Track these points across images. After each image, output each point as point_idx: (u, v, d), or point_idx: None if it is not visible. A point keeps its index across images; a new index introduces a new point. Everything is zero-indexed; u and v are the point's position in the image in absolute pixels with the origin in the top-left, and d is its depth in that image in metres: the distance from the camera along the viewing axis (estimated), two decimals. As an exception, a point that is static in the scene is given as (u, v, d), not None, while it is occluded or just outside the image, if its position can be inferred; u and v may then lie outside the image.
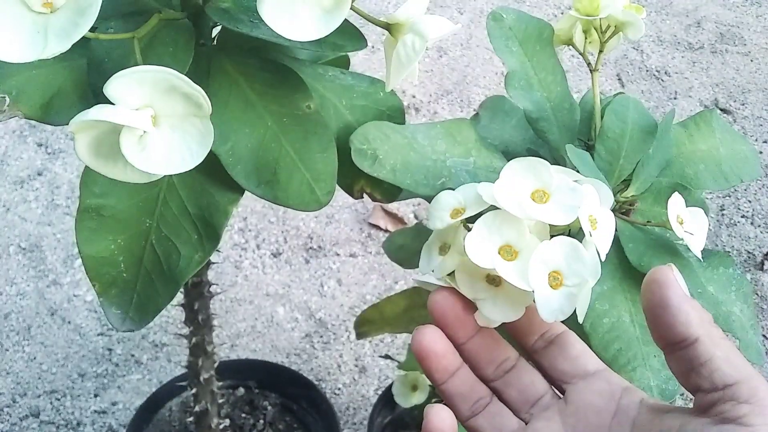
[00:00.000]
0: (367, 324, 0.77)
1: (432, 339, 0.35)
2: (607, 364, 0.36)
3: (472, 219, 0.35)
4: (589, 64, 0.52)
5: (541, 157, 0.36)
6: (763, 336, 1.10)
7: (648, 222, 0.47)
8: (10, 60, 0.32)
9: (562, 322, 0.36)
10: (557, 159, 0.49)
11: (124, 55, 0.39)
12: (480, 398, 0.35)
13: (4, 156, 1.30)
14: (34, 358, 1.05)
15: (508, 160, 0.40)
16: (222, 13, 0.42)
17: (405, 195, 0.50)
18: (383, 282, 1.16)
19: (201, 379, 0.71)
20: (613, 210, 0.47)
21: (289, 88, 0.45)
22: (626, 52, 1.56)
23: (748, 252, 1.22)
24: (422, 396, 0.83)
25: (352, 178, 0.49)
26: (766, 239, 1.24)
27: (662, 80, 1.51)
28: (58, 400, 1.01)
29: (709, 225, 1.20)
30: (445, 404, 0.34)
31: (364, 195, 0.50)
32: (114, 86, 0.33)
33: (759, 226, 1.26)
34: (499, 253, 0.34)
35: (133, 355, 1.06)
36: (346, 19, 0.37)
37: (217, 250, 0.46)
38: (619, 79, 1.51)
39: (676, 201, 0.43)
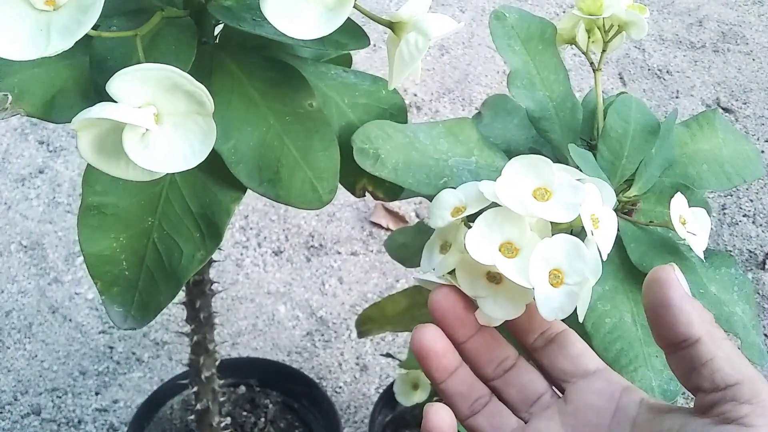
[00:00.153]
0: (368, 322, 0.77)
1: (432, 338, 0.35)
2: (609, 365, 0.36)
3: (473, 217, 0.35)
4: (591, 63, 0.52)
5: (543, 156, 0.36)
6: (765, 336, 1.10)
7: (650, 222, 0.47)
8: (12, 58, 0.32)
9: (563, 321, 0.36)
10: (560, 158, 0.49)
11: (127, 53, 0.39)
12: (479, 397, 0.35)
13: (5, 154, 1.30)
14: (36, 356, 1.05)
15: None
16: (224, 11, 0.42)
17: (407, 194, 0.50)
18: (384, 280, 1.16)
19: (202, 377, 0.71)
20: (616, 210, 0.47)
21: (291, 87, 0.45)
22: (628, 51, 1.56)
23: (750, 251, 1.22)
24: (423, 395, 0.83)
25: (354, 177, 0.49)
26: (767, 238, 1.24)
27: (664, 79, 1.51)
28: (60, 398, 1.01)
29: (711, 224, 1.19)
30: (444, 403, 0.34)
31: (366, 193, 0.50)
32: (117, 84, 0.33)
33: (760, 225, 1.26)
34: (499, 250, 0.34)
35: (134, 353, 1.06)
36: (348, 18, 0.37)
37: (219, 248, 0.46)
38: (621, 78, 1.51)
39: (678, 201, 0.43)
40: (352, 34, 0.43)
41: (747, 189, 1.30)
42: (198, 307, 0.66)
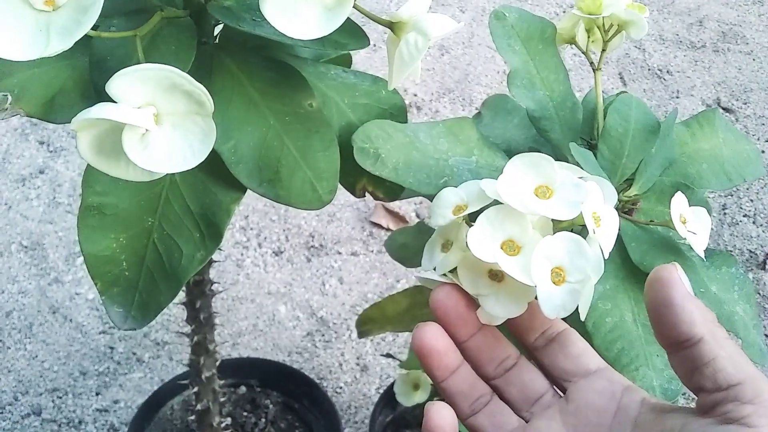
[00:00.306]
0: (368, 323, 0.77)
1: (433, 336, 0.35)
2: (610, 364, 0.36)
3: (475, 216, 0.35)
4: (591, 63, 0.52)
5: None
6: (766, 335, 1.10)
7: (651, 221, 0.47)
8: (12, 58, 0.32)
9: (564, 320, 0.36)
10: (560, 158, 0.49)
11: (127, 54, 0.39)
12: (480, 396, 0.35)
13: (5, 154, 1.30)
14: (36, 356, 1.05)
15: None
16: (224, 11, 0.42)
17: (407, 194, 0.50)
18: (385, 281, 1.16)
19: (203, 377, 0.71)
20: (616, 209, 0.47)
21: (291, 87, 0.45)
22: (628, 51, 1.56)
23: (750, 251, 1.22)
24: (424, 395, 0.83)
25: (354, 177, 0.49)
26: (768, 238, 1.24)
27: (664, 79, 1.51)
28: (60, 398, 1.01)
29: (711, 224, 1.19)
30: (445, 402, 0.34)
31: (366, 193, 0.50)
32: (116, 84, 0.33)
33: (761, 225, 1.26)
34: (501, 248, 0.34)
35: (134, 354, 1.06)
36: (348, 18, 0.37)
37: (219, 249, 0.46)
38: (621, 78, 1.51)
39: (679, 200, 0.43)
40: (351, 34, 0.43)
41: (747, 189, 1.30)
42: (198, 307, 0.66)
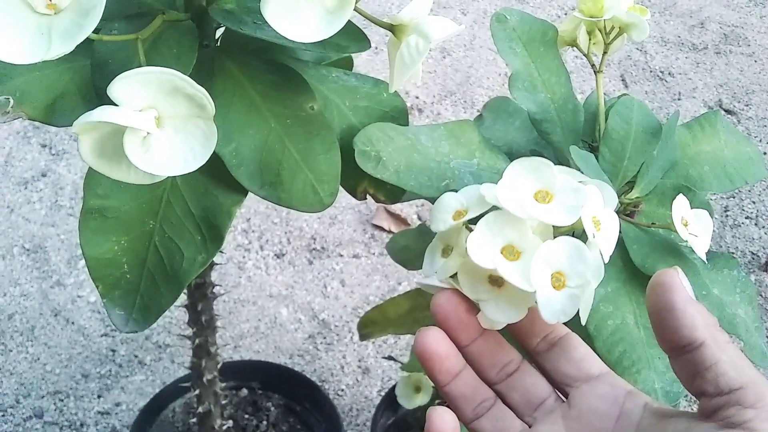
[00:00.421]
0: (370, 325, 0.77)
1: (435, 340, 0.35)
2: (611, 367, 0.35)
3: (475, 221, 0.35)
4: (593, 65, 0.52)
5: (544, 158, 0.36)
6: (768, 337, 1.10)
7: (652, 224, 0.47)
8: (13, 61, 0.32)
9: (566, 324, 0.36)
10: (561, 160, 0.49)
11: (128, 57, 0.39)
12: (483, 400, 0.35)
13: (8, 157, 1.30)
14: (38, 359, 1.05)
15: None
16: (225, 15, 0.42)
17: (408, 196, 0.50)
18: (386, 283, 1.16)
19: (204, 380, 0.71)
20: (618, 212, 0.47)
21: (292, 90, 0.45)
22: (630, 53, 1.56)
23: (752, 253, 1.22)
24: (425, 397, 0.83)
25: (356, 180, 0.49)
26: (770, 240, 1.24)
27: (666, 81, 1.51)
28: (62, 401, 1.02)
29: (713, 226, 1.18)
30: (448, 406, 0.34)
31: (368, 196, 0.50)
32: (117, 88, 0.33)
33: (763, 227, 1.25)
34: (501, 253, 0.34)
35: (136, 356, 1.06)
36: (349, 21, 0.37)
37: (221, 251, 0.46)
38: (623, 80, 1.51)
39: (680, 203, 0.43)
40: (352, 36, 0.43)
41: (749, 191, 1.30)
42: (200, 310, 0.66)
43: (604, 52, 0.52)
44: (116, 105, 0.34)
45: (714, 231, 1.23)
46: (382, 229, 1.23)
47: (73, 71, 0.42)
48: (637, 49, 1.57)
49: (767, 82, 1.50)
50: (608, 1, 0.49)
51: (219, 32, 0.47)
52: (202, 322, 0.67)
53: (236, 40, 0.47)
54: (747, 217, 1.27)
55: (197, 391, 0.73)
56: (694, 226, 0.44)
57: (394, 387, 0.88)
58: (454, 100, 1.44)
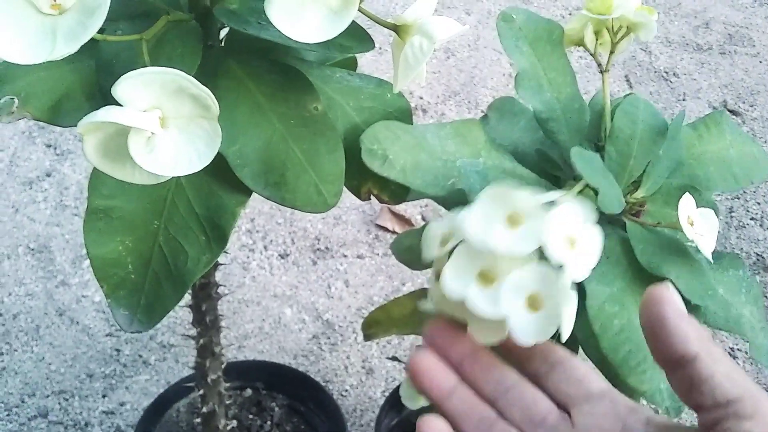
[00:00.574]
0: (374, 326, 0.77)
1: (424, 358, 0.35)
2: (617, 366, 0.35)
3: None
4: (599, 64, 0.52)
5: (550, 159, 0.36)
6: (773, 338, 1.09)
7: (658, 223, 0.47)
8: (18, 62, 0.32)
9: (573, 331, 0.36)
10: (567, 160, 0.49)
11: (133, 57, 0.39)
12: (484, 418, 0.35)
13: (13, 157, 1.30)
14: (43, 359, 1.05)
15: (518, 161, 0.40)
16: (230, 15, 0.42)
17: (412, 196, 0.50)
18: (390, 283, 1.16)
19: (208, 380, 0.71)
20: (623, 211, 0.47)
21: (296, 90, 0.45)
22: (634, 54, 1.56)
23: (757, 254, 1.21)
24: (429, 398, 0.83)
25: (360, 180, 0.49)
26: (775, 241, 1.23)
27: (670, 81, 1.50)
28: (66, 400, 1.02)
29: (718, 227, 1.18)
30: (451, 427, 0.34)
31: (372, 197, 0.50)
32: (122, 88, 0.34)
33: (768, 227, 1.25)
34: (478, 278, 0.34)
35: (141, 356, 1.06)
36: (353, 21, 0.37)
37: (225, 252, 0.46)
38: (628, 81, 1.51)
39: (686, 202, 0.43)
40: (356, 37, 0.43)
41: (754, 192, 1.30)
42: (204, 310, 0.66)
43: (611, 52, 0.51)
44: (121, 105, 0.34)
45: (719, 232, 1.22)
46: (386, 229, 1.23)
47: (78, 71, 0.43)
48: (642, 49, 1.56)
49: (772, 83, 1.50)
50: (617, -1, 0.49)
51: (223, 33, 0.47)
52: (206, 322, 0.67)
53: (240, 40, 0.47)
54: (752, 219, 1.27)
55: (201, 391, 0.73)
56: (699, 226, 0.44)
57: (398, 387, 0.88)
58: (459, 101, 1.43)
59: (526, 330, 0.33)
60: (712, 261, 0.45)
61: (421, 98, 1.43)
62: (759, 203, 1.29)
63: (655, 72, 1.52)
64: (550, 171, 0.49)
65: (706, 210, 0.45)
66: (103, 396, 1.02)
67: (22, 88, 0.42)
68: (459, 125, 0.48)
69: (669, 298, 0.31)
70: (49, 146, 1.32)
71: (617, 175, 0.47)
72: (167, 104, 0.34)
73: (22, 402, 1.01)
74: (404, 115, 0.50)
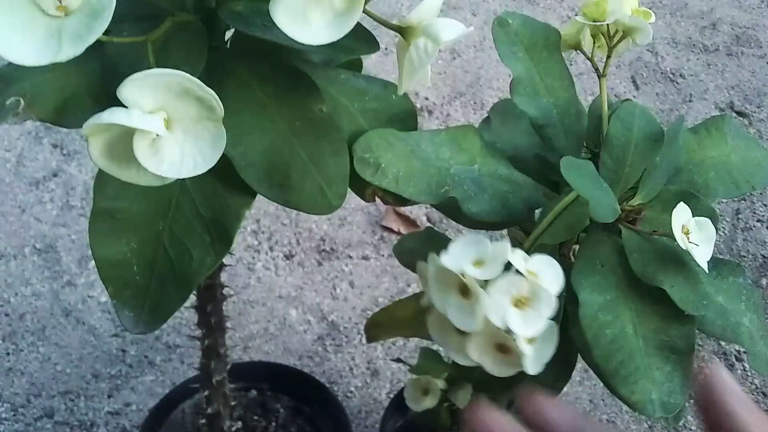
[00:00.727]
0: (376, 328, 0.77)
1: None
2: (609, 377, 0.35)
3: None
4: (597, 69, 0.52)
5: (549, 164, 0.36)
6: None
7: (654, 231, 0.46)
8: (24, 63, 0.33)
9: (561, 331, 0.38)
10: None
11: (138, 59, 0.40)
12: None
13: (19, 157, 1.31)
14: (49, 359, 1.06)
15: (518, 165, 0.41)
16: (235, 16, 0.42)
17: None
18: (396, 285, 1.16)
19: (213, 381, 0.72)
20: (619, 219, 0.47)
21: (301, 92, 0.45)
22: (640, 54, 1.55)
23: (764, 257, 1.21)
24: (433, 400, 0.83)
25: (364, 182, 0.49)
26: (781, 244, 1.23)
27: (677, 83, 1.50)
28: (72, 400, 1.02)
29: (725, 229, 1.18)
30: None
31: (376, 198, 0.50)
32: (127, 89, 0.34)
33: (775, 230, 1.25)
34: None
35: (146, 357, 1.07)
36: (358, 22, 0.37)
37: (230, 253, 0.47)
38: (634, 82, 1.50)
39: (680, 211, 0.43)
40: (362, 38, 0.43)
41: (761, 194, 1.29)
42: (209, 311, 0.66)
43: (608, 56, 0.51)
44: (126, 107, 0.34)
45: (725, 234, 1.22)
46: (391, 230, 1.23)
47: (84, 73, 0.43)
48: (648, 50, 1.56)
49: (779, 85, 1.50)
50: (611, 4, 0.49)
51: (228, 34, 0.48)
52: (211, 323, 0.67)
53: (245, 42, 0.47)
54: (759, 221, 1.26)
55: (206, 392, 0.73)
56: (695, 235, 0.43)
57: (402, 389, 0.88)
58: (464, 102, 1.43)
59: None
60: (707, 270, 0.44)
61: (426, 99, 1.43)
62: (766, 205, 1.28)
63: (662, 73, 1.52)
64: (549, 176, 0.49)
65: (703, 219, 0.44)
66: (109, 396, 1.02)
67: (28, 90, 0.42)
68: (454, 131, 0.48)
69: (730, 384, 0.30)
70: (55, 146, 1.33)
71: (612, 182, 0.47)
72: (172, 106, 0.35)
73: (28, 402, 1.02)
74: (409, 116, 0.50)
